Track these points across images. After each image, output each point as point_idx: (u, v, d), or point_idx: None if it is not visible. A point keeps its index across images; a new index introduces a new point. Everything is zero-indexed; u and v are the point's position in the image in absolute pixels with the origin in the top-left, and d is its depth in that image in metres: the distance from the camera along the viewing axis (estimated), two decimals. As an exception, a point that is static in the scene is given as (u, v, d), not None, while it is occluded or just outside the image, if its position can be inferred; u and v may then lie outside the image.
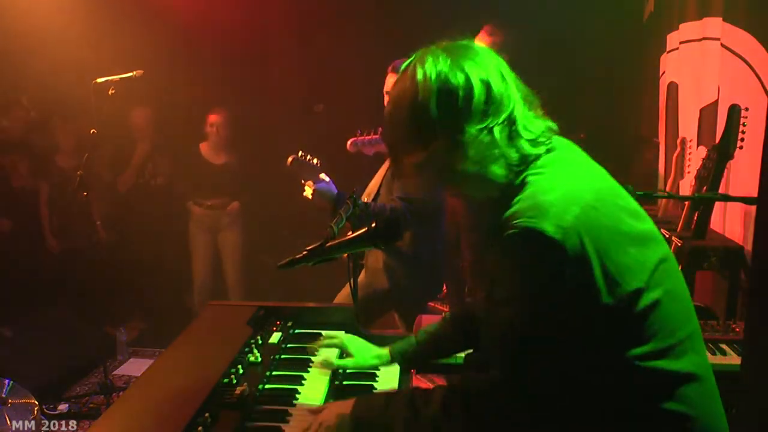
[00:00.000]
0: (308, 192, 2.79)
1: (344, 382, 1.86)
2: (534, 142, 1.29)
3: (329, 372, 1.84)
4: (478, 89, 1.24)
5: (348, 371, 1.90)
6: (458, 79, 1.24)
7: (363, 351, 1.86)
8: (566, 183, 1.24)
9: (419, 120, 1.27)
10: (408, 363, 1.84)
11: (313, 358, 1.91)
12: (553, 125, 1.34)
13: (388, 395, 1.44)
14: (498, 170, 1.28)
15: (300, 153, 2.88)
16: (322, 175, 2.78)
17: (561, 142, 1.35)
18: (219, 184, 4.59)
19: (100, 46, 4.28)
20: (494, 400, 1.25)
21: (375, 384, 1.83)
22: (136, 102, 4.72)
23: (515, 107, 1.27)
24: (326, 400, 1.70)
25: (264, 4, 5.52)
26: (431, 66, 1.26)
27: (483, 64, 1.26)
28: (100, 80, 3.52)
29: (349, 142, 3.49)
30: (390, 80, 2.98)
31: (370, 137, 3.47)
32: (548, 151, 1.30)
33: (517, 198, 1.24)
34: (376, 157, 3.91)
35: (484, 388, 1.27)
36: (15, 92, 4.67)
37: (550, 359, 1.20)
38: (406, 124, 1.29)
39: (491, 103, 1.25)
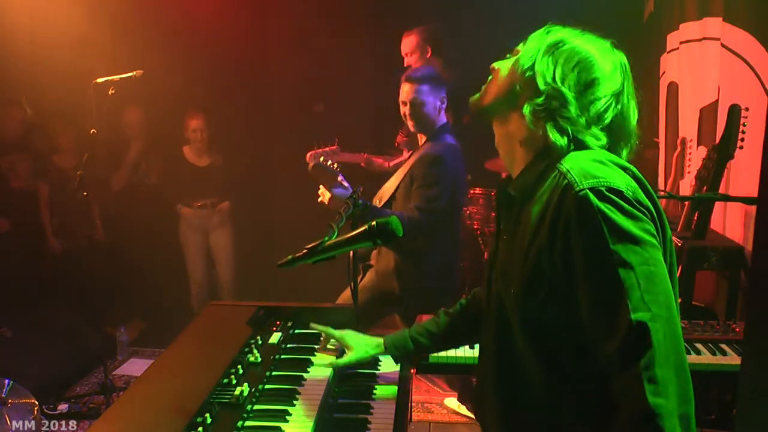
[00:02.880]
0: (325, 197, 2.81)
1: (344, 382, 1.86)
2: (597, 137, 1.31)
3: (330, 369, 1.83)
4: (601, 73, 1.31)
5: (348, 372, 1.90)
6: (582, 51, 1.32)
7: (361, 343, 1.84)
8: (610, 165, 1.27)
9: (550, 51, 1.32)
10: (401, 356, 1.82)
11: (312, 358, 1.91)
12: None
13: None
14: (559, 137, 1.28)
15: (321, 158, 2.90)
16: (340, 178, 2.78)
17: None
18: (205, 186, 4.60)
19: (100, 47, 4.28)
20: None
21: (375, 384, 1.83)
22: (132, 101, 4.71)
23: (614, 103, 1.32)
24: (327, 400, 1.70)
25: (264, 4, 5.52)
26: (554, 34, 1.36)
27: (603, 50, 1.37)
28: (100, 80, 3.52)
29: (308, 156, 3.51)
30: (405, 89, 2.99)
31: (327, 149, 3.51)
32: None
33: (559, 170, 1.25)
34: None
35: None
36: (13, 92, 4.67)
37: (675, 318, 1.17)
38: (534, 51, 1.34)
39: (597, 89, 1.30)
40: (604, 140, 1.31)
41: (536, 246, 1.25)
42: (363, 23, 5.31)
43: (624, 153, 1.36)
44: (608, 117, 1.30)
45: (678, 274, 3.25)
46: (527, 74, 1.31)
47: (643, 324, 1.10)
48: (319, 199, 2.85)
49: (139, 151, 4.81)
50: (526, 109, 1.30)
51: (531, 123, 1.30)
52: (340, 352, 1.92)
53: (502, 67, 1.40)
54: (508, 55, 1.42)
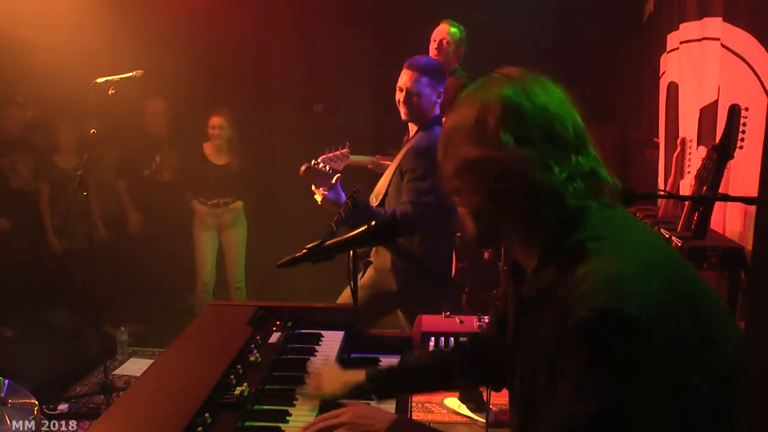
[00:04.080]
0: (319, 198, 2.81)
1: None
2: (589, 193, 1.13)
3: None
4: (541, 118, 1.12)
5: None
6: (524, 103, 1.12)
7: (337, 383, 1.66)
8: (637, 248, 1.08)
9: (480, 133, 1.13)
10: (382, 391, 1.65)
11: (312, 359, 1.91)
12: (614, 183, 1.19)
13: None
14: (548, 213, 1.12)
15: (312, 161, 2.90)
16: (334, 181, 2.78)
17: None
18: (222, 184, 4.61)
19: (100, 46, 4.28)
20: None
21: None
22: (138, 100, 4.73)
23: (581, 150, 1.15)
24: (326, 400, 1.70)
25: (264, 4, 5.52)
26: (497, 90, 1.15)
27: (553, 97, 1.15)
28: (100, 80, 3.52)
29: (319, 160, 3.53)
30: (404, 76, 2.98)
31: (338, 152, 3.52)
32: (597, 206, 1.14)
33: (583, 269, 1.04)
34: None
35: None
36: (13, 92, 4.67)
37: None
38: (465, 137, 1.15)
39: (557, 137, 1.12)
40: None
41: (550, 357, 1.08)
42: (371, 23, 5.33)
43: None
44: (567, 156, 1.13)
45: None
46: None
47: None
48: (315, 196, 2.86)
49: (161, 146, 4.84)
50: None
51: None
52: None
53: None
54: None
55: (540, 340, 1.12)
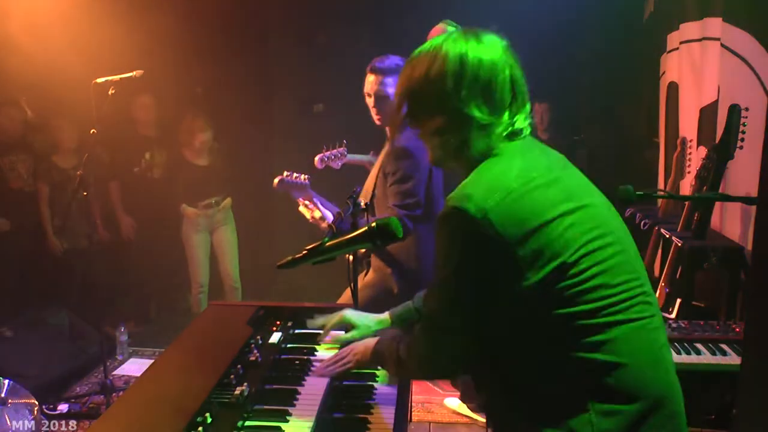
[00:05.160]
0: (314, 214, 2.83)
1: (344, 382, 1.86)
2: (512, 135, 1.39)
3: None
4: (485, 73, 1.34)
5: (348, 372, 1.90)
6: (470, 59, 1.34)
7: (364, 320, 1.94)
8: (500, 170, 1.33)
9: (435, 90, 1.37)
10: (408, 327, 1.90)
11: (312, 358, 1.91)
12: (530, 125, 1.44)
13: (394, 337, 1.64)
14: (475, 153, 1.38)
15: (285, 173, 2.89)
16: (309, 195, 2.84)
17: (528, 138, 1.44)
18: (208, 184, 4.59)
19: (100, 46, 4.28)
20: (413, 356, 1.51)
21: (375, 384, 1.83)
22: (137, 95, 4.73)
23: (512, 100, 1.38)
24: (326, 400, 1.70)
25: (264, 4, 5.53)
26: (448, 45, 1.37)
27: (493, 52, 1.36)
28: (100, 80, 3.51)
29: (316, 159, 3.53)
30: (369, 80, 2.92)
31: (335, 150, 3.51)
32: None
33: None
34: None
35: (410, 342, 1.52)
36: (13, 92, 4.67)
37: (468, 330, 1.33)
38: (423, 92, 1.39)
39: (494, 89, 1.35)
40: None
41: None
42: (371, 22, 5.32)
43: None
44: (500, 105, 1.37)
45: (678, 274, 3.25)
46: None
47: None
48: (308, 215, 2.88)
49: (151, 143, 4.83)
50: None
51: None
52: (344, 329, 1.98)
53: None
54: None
55: None
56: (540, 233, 1.25)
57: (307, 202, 2.95)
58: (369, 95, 2.93)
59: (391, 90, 2.85)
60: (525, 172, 1.31)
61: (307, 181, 2.85)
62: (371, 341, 1.73)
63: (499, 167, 1.34)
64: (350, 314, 1.96)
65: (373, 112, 2.96)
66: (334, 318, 1.97)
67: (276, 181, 2.89)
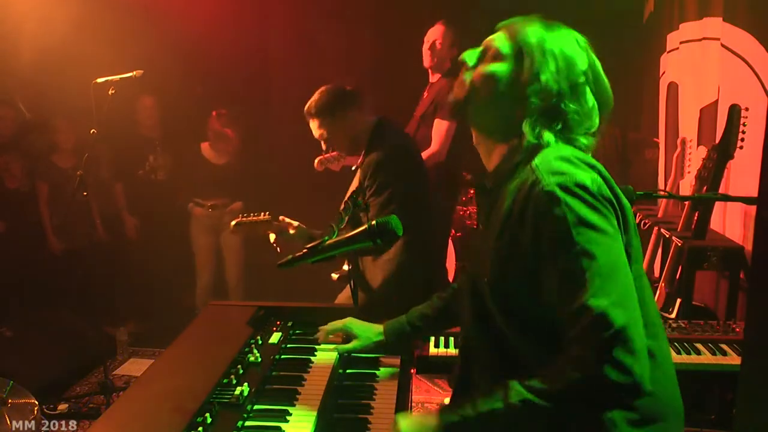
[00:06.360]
0: (330, 161, 2.86)
1: (344, 382, 1.86)
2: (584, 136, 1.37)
3: (332, 364, 1.85)
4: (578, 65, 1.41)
5: (348, 372, 1.90)
6: (553, 47, 1.39)
7: (364, 331, 1.93)
8: (568, 154, 1.32)
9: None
10: (399, 340, 1.91)
11: (312, 358, 1.91)
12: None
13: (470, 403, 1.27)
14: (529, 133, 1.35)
15: (241, 216, 2.96)
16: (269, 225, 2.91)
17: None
18: (220, 185, 4.59)
19: (100, 46, 4.28)
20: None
21: (375, 384, 1.83)
22: (139, 97, 4.72)
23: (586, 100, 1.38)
24: (326, 400, 1.70)
25: (264, 4, 5.52)
26: (530, 31, 1.43)
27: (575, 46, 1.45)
28: (100, 80, 3.51)
29: (316, 161, 3.53)
30: (312, 127, 2.89)
31: (335, 153, 3.51)
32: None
33: (532, 164, 1.30)
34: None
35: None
36: (7, 92, 4.66)
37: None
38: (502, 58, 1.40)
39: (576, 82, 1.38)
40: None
41: (507, 236, 1.31)
42: (371, 22, 5.32)
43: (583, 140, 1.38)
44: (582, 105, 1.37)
45: (678, 274, 3.24)
46: (509, 74, 1.38)
47: (601, 311, 1.14)
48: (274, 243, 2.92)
49: (154, 145, 4.83)
50: (509, 108, 1.37)
51: (511, 121, 1.37)
52: (344, 339, 1.96)
53: (471, 60, 1.46)
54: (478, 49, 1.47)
55: (490, 227, 1.37)
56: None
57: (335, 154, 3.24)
58: (319, 139, 2.92)
59: (327, 127, 2.85)
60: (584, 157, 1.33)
61: (268, 217, 2.94)
62: (428, 419, 1.31)
63: (563, 152, 1.32)
64: (353, 324, 1.95)
65: (335, 151, 3.08)
66: (338, 323, 1.96)
67: (232, 225, 3.00)
